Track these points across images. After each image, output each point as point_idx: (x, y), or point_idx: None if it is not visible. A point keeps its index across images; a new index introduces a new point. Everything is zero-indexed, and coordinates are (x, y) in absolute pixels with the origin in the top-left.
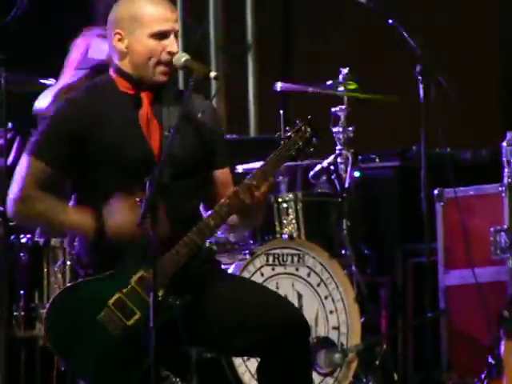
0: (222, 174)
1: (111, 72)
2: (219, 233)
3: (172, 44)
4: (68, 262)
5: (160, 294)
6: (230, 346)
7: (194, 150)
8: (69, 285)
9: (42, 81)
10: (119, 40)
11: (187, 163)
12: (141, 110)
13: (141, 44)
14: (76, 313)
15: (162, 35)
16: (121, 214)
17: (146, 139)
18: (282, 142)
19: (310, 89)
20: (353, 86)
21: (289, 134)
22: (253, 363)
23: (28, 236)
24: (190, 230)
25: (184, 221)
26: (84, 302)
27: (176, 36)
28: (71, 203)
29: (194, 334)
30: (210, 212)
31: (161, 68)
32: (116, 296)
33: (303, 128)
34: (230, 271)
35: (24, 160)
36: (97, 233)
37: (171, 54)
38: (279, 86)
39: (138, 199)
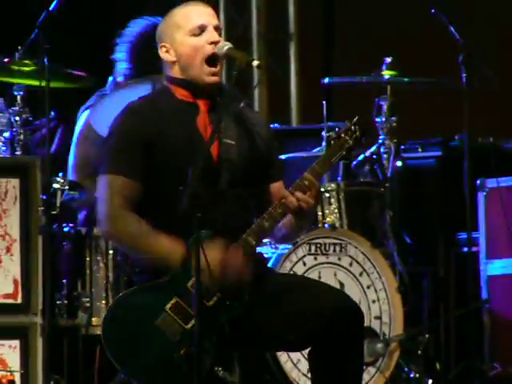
0: (276, 187)
1: (166, 83)
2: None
3: (212, 35)
4: (110, 252)
5: (216, 297)
6: (282, 340)
7: (250, 158)
8: (124, 292)
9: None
10: (166, 52)
11: (244, 171)
12: (198, 117)
13: (184, 45)
14: (133, 319)
15: (200, 30)
16: (232, 262)
17: (207, 145)
18: (331, 142)
19: (364, 79)
20: (395, 75)
21: (339, 134)
22: (294, 352)
23: (71, 225)
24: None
25: (240, 228)
26: (141, 308)
27: (217, 30)
28: None
29: (245, 336)
30: (263, 214)
31: (207, 68)
32: (173, 300)
33: (353, 128)
34: (272, 261)
35: (103, 181)
36: (183, 266)
37: (214, 43)
38: (326, 80)
39: (180, 188)
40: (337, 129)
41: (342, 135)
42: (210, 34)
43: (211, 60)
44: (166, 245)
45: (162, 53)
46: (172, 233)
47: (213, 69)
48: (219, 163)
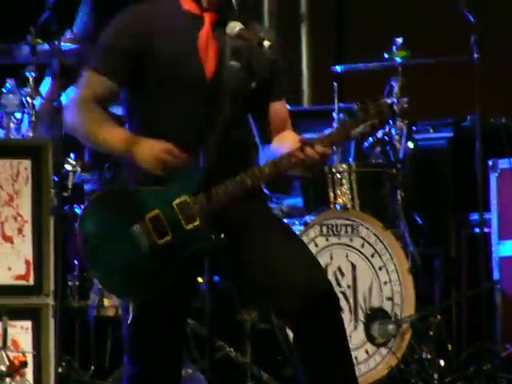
0: (278, 107)
1: None
2: (274, 204)
3: None
4: None
5: (196, 223)
6: (255, 301)
7: (251, 78)
8: (115, 186)
9: None
10: None
11: (243, 91)
12: (201, 31)
13: None
14: (112, 217)
15: None
16: (150, 147)
17: (201, 59)
18: (359, 112)
19: (371, 65)
20: (404, 55)
21: (368, 107)
22: None
23: (82, 206)
24: (239, 158)
25: (235, 148)
26: (123, 208)
27: None
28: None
29: (226, 269)
30: (269, 160)
31: None
32: (154, 212)
33: (385, 109)
34: None
35: (83, 75)
36: (124, 154)
37: None
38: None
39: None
40: (357, 105)
41: (372, 111)
42: None
43: None
44: (113, 136)
45: None
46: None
47: None
48: (213, 83)
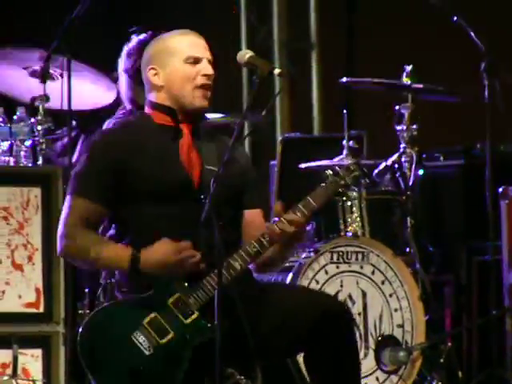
0: (251, 215)
1: (146, 109)
2: None
3: (206, 67)
4: None
5: (194, 316)
6: (276, 351)
7: (229, 185)
8: (106, 304)
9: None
10: (155, 75)
11: (229, 196)
12: (181, 140)
13: (176, 71)
14: (110, 330)
15: (195, 60)
16: (158, 250)
17: (185, 166)
18: (328, 177)
19: (375, 80)
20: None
21: (337, 170)
22: None
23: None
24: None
25: (230, 247)
26: (119, 320)
27: (211, 63)
28: (110, 233)
29: (237, 353)
30: (251, 241)
31: (199, 92)
32: (151, 315)
33: (351, 167)
34: (294, 269)
35: (66, 200)
36: (131, 267)
37: (206, 76)
38: (344, 79)
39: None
40: (337, 167)
41: (341, 173)
42: (205, 67)
43: (203, 87)
44: (112, 249)
45: (150, 75)
46: None
47: (205, 92)
48: (200, 189)
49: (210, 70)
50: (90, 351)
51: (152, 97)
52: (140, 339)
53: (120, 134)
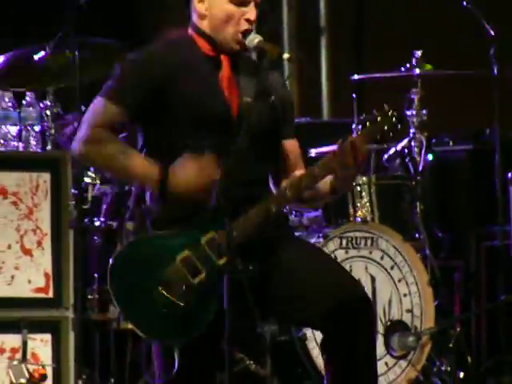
0: (290, 145)
1: (190, 31)
2: (294, 215)
3: (251, 12)
4: None
5: (227, 257)
6: (289, 316)
7: (268, 116)
8: (140, 236)
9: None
10: (200, 1)
11: (262, 129)
12: (221, 72)
13: (220, 8)
14: (143, 264)
15: (241, 1)
16: (188, 172)
17: (227, 98)
18: (367, 124)
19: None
20: (428, 68)
21: (375, 116)
22: None
23: (101, 219)
24: (263, 193)
25: (258, 184)
26: (153, 255)
27: (256, 7)
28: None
29: (257, 300)
30: (287, 182)
31: (238, 36)
32: (185, 253)
33: (390, 113)
34: None
35: (97, 102)
36: (161, 185)
37: (249, 21)
38: (356, 76)
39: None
40: (374, 112)
41: (379, 118)
42: (250, 11)
43: (243, 32)
44: (141, 165)
45: (195, 1)
46: None
47: (244, 39)
48: (238, 120)
49: (253, 15)
50: (121, 285)
51: (196, 22)
52: (172, 276)
53: (163, 53)
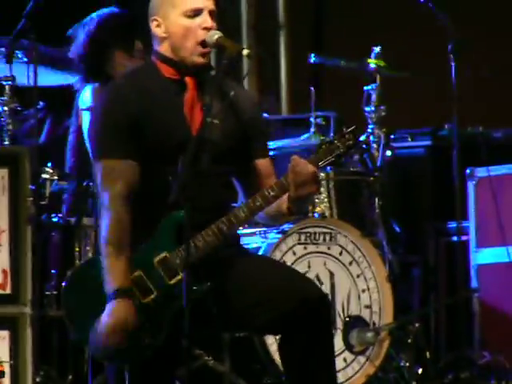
0: (262, 164)
1: (152, 58)
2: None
3: (205, 20)
4: None
5: (179, 277)
6: (249, 324)
7: (233, 137)
8: (92, 256)
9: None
10: (157, 26)
11: (225, 149)
12: (186, 95)
13: (176, 25)
14: (95, 285)
15: (195, 13)
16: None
17: (188, 124)
18: (322, 146)
19: (342, 62)
20: (384, 64)
21: (332, 139)
22: None
23: (59, 215)
24: (220, 216)
25: (220, 206)
26: (103, 275)
27: (212, 15)
28: None
29: (216, 314)
30: (240, 203)
31: (199, 48)
32: (136, 273)
33: (347, 136)
34: (261, 250)
35: (100, 167)
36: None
37: (206, 29)
38: (312, 58)
39: (170, 178)
40: (331, 135)
41: (335, 141)
42: (204, 19)
43: (203, 44)
44: (117, 268)
45: (152, 26)
46: (159, 213)
47: (205, 49)
48: (200, 142)
49: (209, 23)
50: (72, 302)
51: (157, 47)
52: None
53: (130, 87)
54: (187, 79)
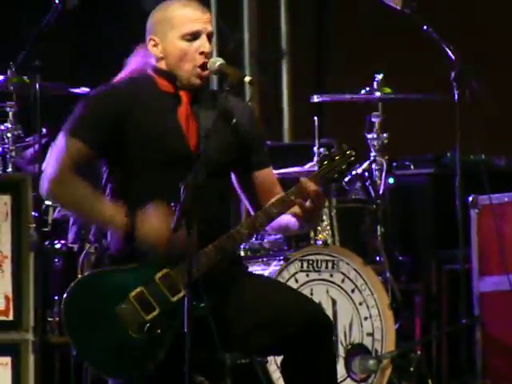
0: (263, 175)
1: (149, 71)
2: (255, 239)
3: (204, 44)
4: None
5: (181, 294)
6: (252, 346)
7: (229, 150)
8: (92, 271)
9: (74, 90)
10: (154, 46)
11: (221, 163)
12: (180, 108)
13: (173, 47)
14: (95, 300)
15: (193, 36)
16: (153, 221)
17: (185, 134)
18: (324, 163)
19: (347, 96)
20: (388, 91)
21: (333, 155)
22: None
23: (62, 242)
24: (220, 229)
25: (216, 221)
26: (105, 290)
27: (209, 38)
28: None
29: (217, 334)
30: (244, 221)
31: (197, 71)
32: (138, 289)
33: (348, 153)
34: None
35: (61, 139)
36: (126, 232)
37: (204, 54)
38: (316, 98)
39: (172, 204)
40: (332, 150)
41: (337, 158)
42: (202, 43)
43: (203, 67)
44: (109, 210)
45: (149, 46)
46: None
47: (204, 73)
48: (197, 156)
49: (206, 47)
50: (74, 320)
51: (154, 62)
52: (125, 313)
53: (124, 91)
54: (181, 93)
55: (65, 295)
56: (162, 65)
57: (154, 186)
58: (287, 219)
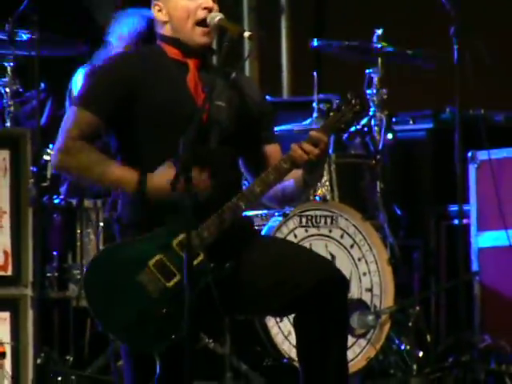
0: (270, 150)
1: (157, 41)
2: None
3: (206, 0)
4: (101, 224)
5: (200, 257)
6: (266, 307)
7: (240, 120)
8: (109, 245)
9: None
10: (159, 11)
11: (233, 132)
12: (188, 75)
13: (177, 7)
14: (115, 273)
15: None
16: (164, 173)
17: (195, 100)
18: (330, 113)
19: (346, 43)
20: (387, 45)
21: (339, 106)
22: (285, 324)
23: (61, 197)
24: (233, 195)
25: (228, 187)
26: (124, 262)
27: None
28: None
29: (229, 300)
30: (256, 179)
31: (199, 29)
32: (157, 257)
33: (354, 101)
34: (263, 233)
35: (70, 111)
36: (138, 189)
37: (207, 9)
38: (315, 42)
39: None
40: (337, 101)
41: (343, 108)
42: (205, 0)
43: (202, 23)
44: (118, 171)
45: (154, 11)
46: None
47: (205, 29)
48: (208, 124)
49: (209, 3)
50: (96, 295)
51: (160, 31)
52: (146, 282)
53: (134, 60)
54: (189, 61)
55: (84, 273)
56: (168, 30)
57: (165, 152)
58: (288, 183)
